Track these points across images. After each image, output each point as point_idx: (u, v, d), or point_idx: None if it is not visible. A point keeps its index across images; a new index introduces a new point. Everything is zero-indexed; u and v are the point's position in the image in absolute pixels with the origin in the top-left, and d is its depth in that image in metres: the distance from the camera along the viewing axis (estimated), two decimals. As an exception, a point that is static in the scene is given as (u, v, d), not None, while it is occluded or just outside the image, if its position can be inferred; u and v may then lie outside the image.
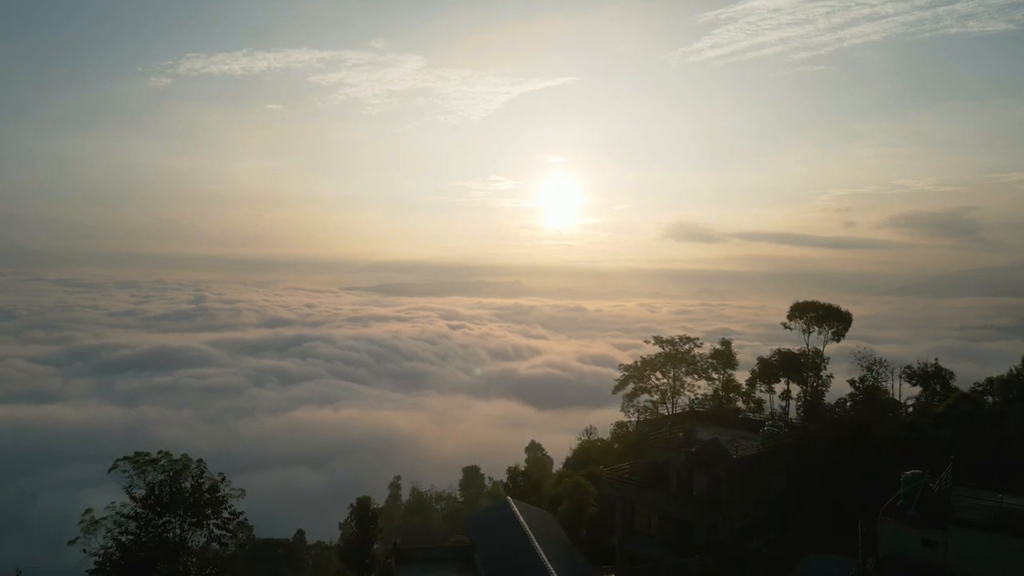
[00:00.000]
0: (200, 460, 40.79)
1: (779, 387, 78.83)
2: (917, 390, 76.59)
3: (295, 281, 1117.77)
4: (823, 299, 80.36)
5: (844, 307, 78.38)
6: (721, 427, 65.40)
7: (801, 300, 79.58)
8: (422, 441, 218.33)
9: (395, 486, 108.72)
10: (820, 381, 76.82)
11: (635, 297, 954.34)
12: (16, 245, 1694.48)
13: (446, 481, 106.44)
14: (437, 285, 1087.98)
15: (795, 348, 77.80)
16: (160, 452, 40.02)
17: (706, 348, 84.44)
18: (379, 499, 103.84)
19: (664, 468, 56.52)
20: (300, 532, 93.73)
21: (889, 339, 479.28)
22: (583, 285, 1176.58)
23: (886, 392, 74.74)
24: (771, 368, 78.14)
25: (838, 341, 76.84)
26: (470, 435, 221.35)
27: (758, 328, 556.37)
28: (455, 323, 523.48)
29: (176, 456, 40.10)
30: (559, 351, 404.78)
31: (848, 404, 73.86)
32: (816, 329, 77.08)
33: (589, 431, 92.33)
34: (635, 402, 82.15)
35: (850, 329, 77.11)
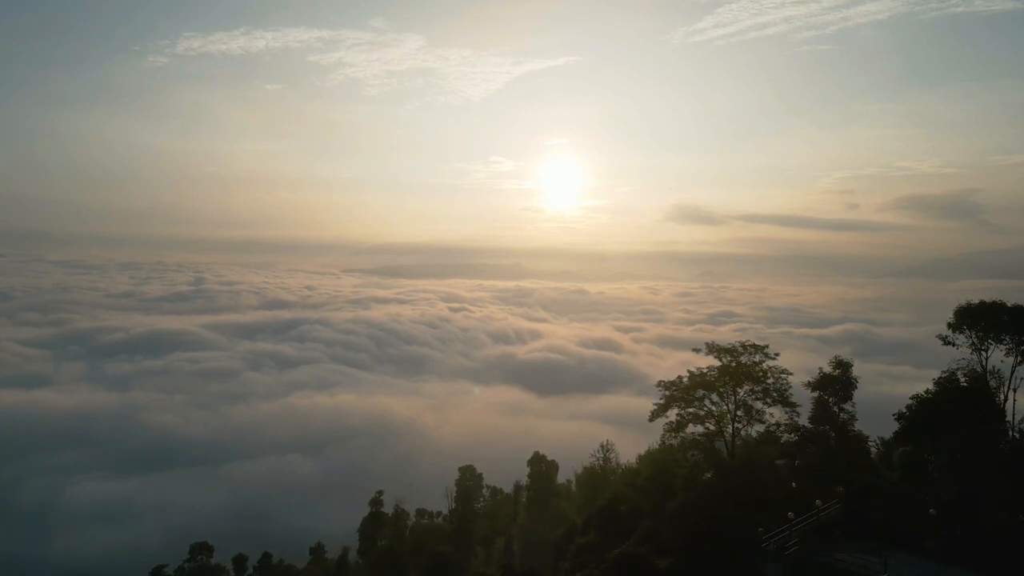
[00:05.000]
0: None
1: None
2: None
3: (296, 263, 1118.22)
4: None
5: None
6: (904, 553, 41.09)
7: (976, 302, 55.28)
8: (420, 428, 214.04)
9: (376, 502, 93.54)
10: (1003, 427, 52.47)
11: (637, 279, 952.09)
12: (17, 225, 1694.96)
13: (441, 481, 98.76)
14: (438, 267, 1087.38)
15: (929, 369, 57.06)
16: None
17: (784, 360, 61.85)
18: (363, 502, 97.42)
19: None
20: (267, 555, 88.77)
21: (891, 322, 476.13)
22: (585, 267, 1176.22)
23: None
24: (935, 410, 50.80)
25: None
26: (470, 423, 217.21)
27: (760, 311, 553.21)
28: (456, 306, 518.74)
29: None
30: (561, 335, 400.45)
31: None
32: (995, 344, 53.54)
33: (606, 447, 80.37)
34: (681, 434, 60.57)
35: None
